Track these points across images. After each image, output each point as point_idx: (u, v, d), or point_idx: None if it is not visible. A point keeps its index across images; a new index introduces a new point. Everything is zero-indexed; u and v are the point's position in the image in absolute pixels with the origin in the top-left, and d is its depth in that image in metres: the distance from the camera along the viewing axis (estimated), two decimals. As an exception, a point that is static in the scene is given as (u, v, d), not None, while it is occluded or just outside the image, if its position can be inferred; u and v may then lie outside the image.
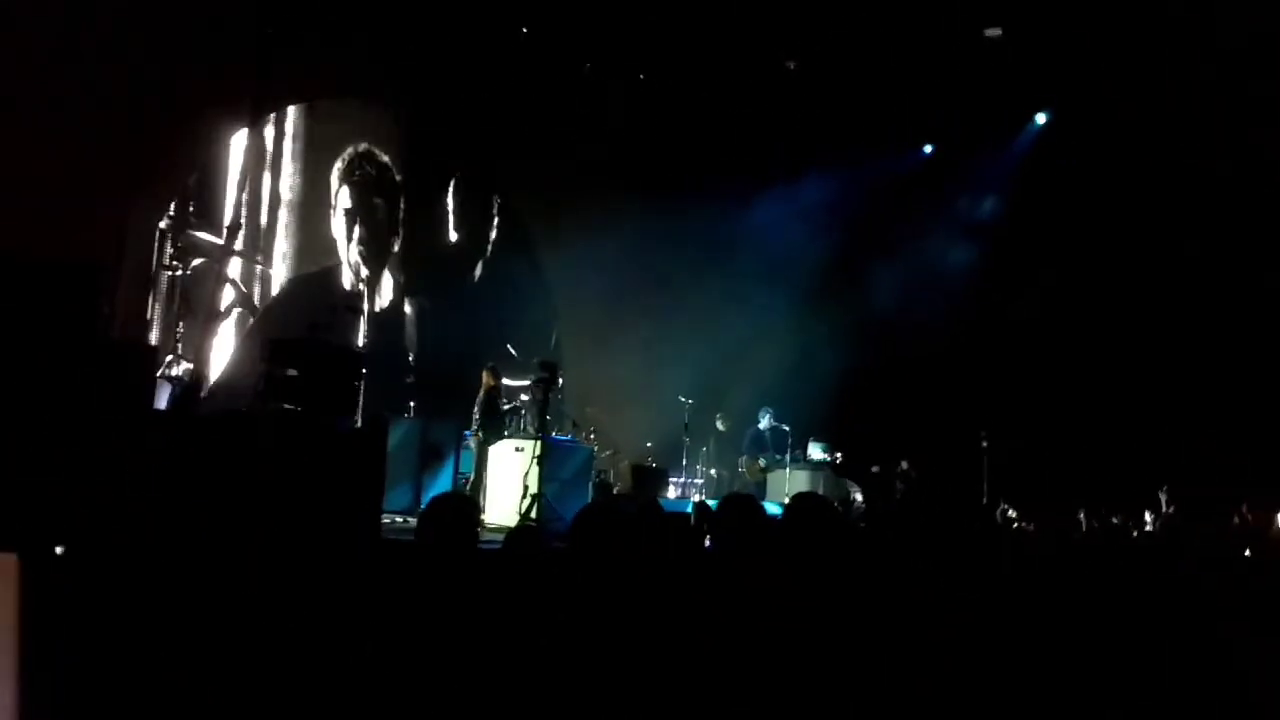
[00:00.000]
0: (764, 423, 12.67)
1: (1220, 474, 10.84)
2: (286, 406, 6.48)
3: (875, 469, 12.21)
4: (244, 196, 10.54)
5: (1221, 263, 12.57)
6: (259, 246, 10.80)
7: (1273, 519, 9.92)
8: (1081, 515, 10.29)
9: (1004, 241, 14.20)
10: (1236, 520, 9.78)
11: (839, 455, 12.35)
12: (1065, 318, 13.45)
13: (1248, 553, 7.33)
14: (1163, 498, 11.04)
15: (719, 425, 13.12)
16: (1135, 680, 3.45)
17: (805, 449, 12.38)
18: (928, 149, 14.82)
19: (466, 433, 10.04)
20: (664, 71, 13.65)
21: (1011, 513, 11.32)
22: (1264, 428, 11.63)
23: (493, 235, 13.71)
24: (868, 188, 14.36)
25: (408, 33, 11.53)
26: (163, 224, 9.48)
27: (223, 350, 10.13)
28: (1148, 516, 10.32)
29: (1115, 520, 9.80)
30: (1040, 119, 14.07)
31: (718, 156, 13.81)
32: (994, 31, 12.49)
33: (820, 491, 11.70)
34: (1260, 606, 4.05)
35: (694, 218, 13.30)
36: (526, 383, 10.48)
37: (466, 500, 6.96)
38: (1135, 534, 9.21)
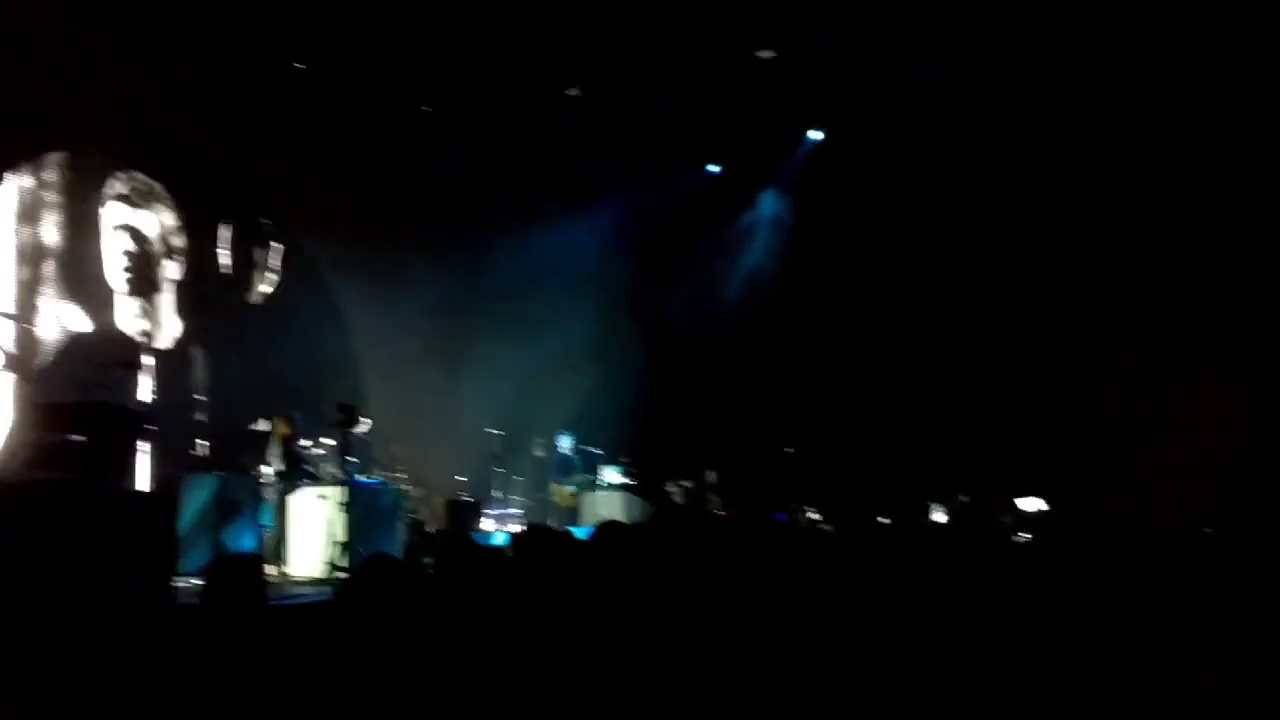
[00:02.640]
0: (565, 446, 12.74)
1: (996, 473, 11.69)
2: (58, 475, 6.06)
3: (669, 487, 12.43)
4: (7, 255, 9.80)
5: (997, 260, 13.42)
6: (25, 304, 10.05)
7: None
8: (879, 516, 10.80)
9: (792, 253, 14.81)
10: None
11: (634, 476, 12.50)
12: (855, 326, 14.10)
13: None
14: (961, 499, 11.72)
15: (536, 452, 13.11)
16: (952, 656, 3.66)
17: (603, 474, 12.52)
18: (713, 168, 15.30)
19: (264, 483, 9.64)
20: (449, 103, 13.57)
21: (815, 515, 11.79)
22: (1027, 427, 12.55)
23: (282, 278, 13.23)
24: (658, 208, 14.71)
25: (173, 70, 11.00)
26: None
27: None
28: (938, 514, 10.95)
29: (908, 517, 10.34)
30: (816, 135, 14.76)
31: (508, 185, 13.83)
32: (767, 53, 13.06)
33: (634, 512, 11.89)
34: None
35: (487, 247, 13.28)
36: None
37: (250, 559, 6.68)
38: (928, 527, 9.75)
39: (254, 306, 12.78)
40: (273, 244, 13.01)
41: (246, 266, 12.76)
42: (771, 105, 13.45)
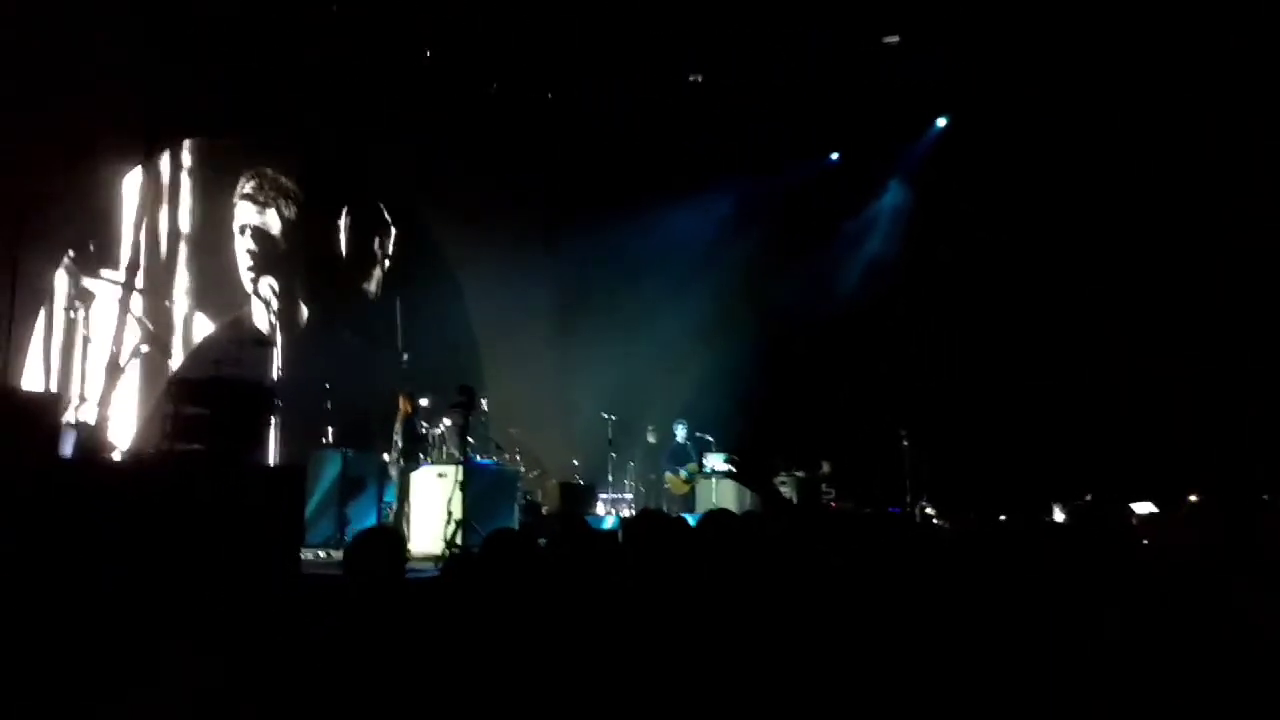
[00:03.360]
0: (680, 435, 12.76)
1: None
2: (194, 447, 6.36)
3: (781, 478, 12.29)
4: (142, 235, 10.32)
5: (1129, 260, 12.90)
6: (161, 283, 10.58)
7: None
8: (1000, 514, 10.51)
9: (914, 242, 14.50)
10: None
11: (736, 464, 12.39)
12: (976, 318, 13.74)
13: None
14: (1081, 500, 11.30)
15: (649, 438, 13.19)
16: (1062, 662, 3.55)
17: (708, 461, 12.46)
18: (834, 156, 15.08)
19: (387, 461, 9.92)
20: (571, 89, 13.70)
21: (930, 510, 11.56)
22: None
23: (404, 263, 13.60)
24: (779, 196, 14.59)
25: (306, 58, 11.38)
26: (61, 268, 9.25)
27: (130, 392, 9.88)
28: (1058, 513, 10.60)
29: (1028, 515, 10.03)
30: (941, 122, 14.41)
31: (628, 172, 13.89)
32: (892, 39, 12.83)
33: (748, 501, 11.83)
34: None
35: (607, 233, 13.36)
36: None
37: (391, 533, 6.89)
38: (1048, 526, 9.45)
39: (378, 290, 13.16)
40: (394, 229, 13.37)
41: (369, 252, 13.15)
42: (896, 91, 13.20)
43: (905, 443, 12.68)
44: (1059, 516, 10.07)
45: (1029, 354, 13.26)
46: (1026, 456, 12.20)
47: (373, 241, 13.21)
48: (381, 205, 13.30)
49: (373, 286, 13.13)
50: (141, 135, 10.14)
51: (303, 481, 6.97)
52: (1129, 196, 12.56)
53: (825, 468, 12.90)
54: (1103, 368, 12.82)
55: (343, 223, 12.85)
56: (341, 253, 12.81)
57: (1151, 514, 10.66)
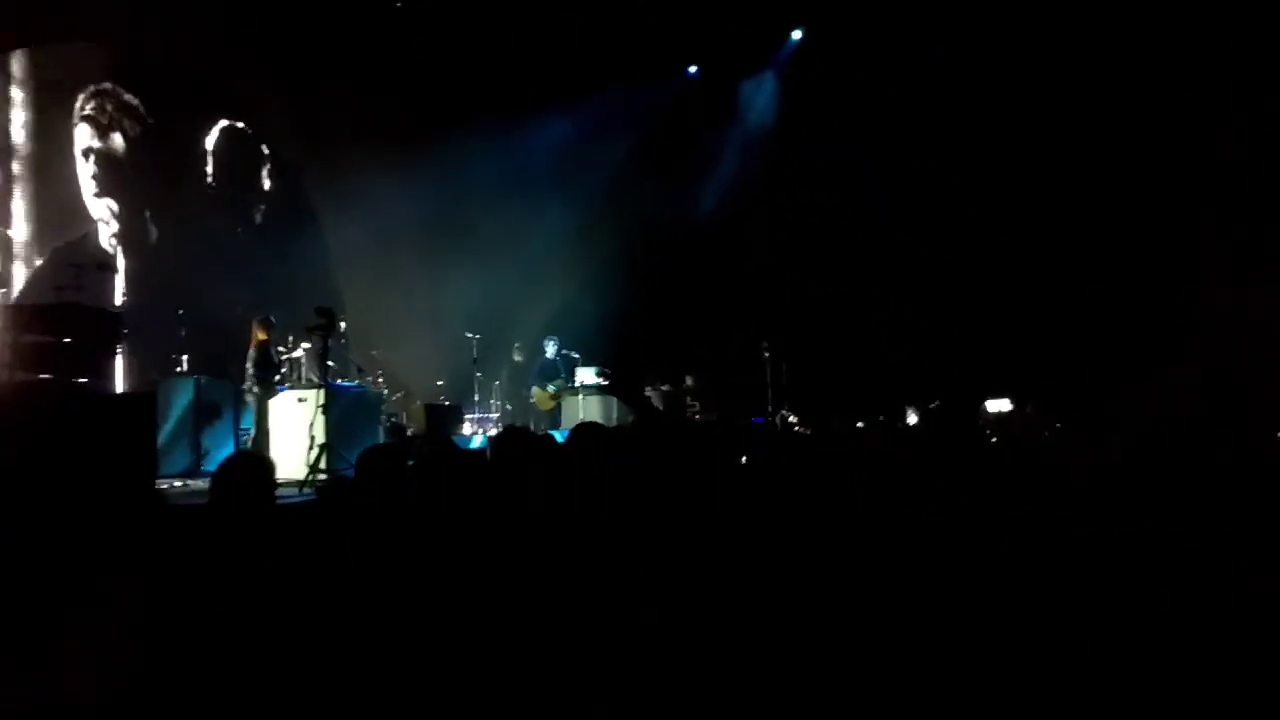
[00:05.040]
0: (550, 351, 12.74)
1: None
2: (36, 375, 6.04)
3: (649, 391, 12.48)
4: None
5: (978, 167, 13.33)
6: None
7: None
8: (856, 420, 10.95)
9: (774, 156, 14.68)
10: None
11: (609, 377, 12.51)
12: (835, 230, 14.06)
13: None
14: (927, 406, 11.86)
15: (515, 356, 13.11)
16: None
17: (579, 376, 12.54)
18: (693, 69, 15.06)
19: (244, 388, 9.63)
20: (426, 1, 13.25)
21: (792, 418, 11.92)
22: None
23: (264, 182, 13.06)
24: (640, 111, 14.51)
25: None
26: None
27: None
28: (910, 417, 11.09)
29: (883, 419, 10.48)
30: (796, 35, 14.53)
31: (488, 88, 13.58)
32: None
33: (614, 416, 11.97)
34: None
35: (466, 151, 13.07)
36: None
37: (260, 459, 6.71)
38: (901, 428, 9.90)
39: (231, 212, 12.63)
40: (250, 149, 12.80)
41: (223, 173, 12.58)
42: (752, 5, 13.23)
43: (766, 354, 13.01)
44: (912, 419, 10.55)
45: (886, 264, 13.69)
46: (882, 364, 12.68)
47: (227, 162, 12.63)
48: (236, 124, 12.69)
49: (227, 209, 12.58)
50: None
51: (153, 409, 6.71)
52: (975, 109, 12.97)
53: (689, 381, 13.13)
54: (954, 275, 13.34)
55: (195, 142, 12.24)
56: (194, 174, 12.22)
57: (1003, 412, 11.29)
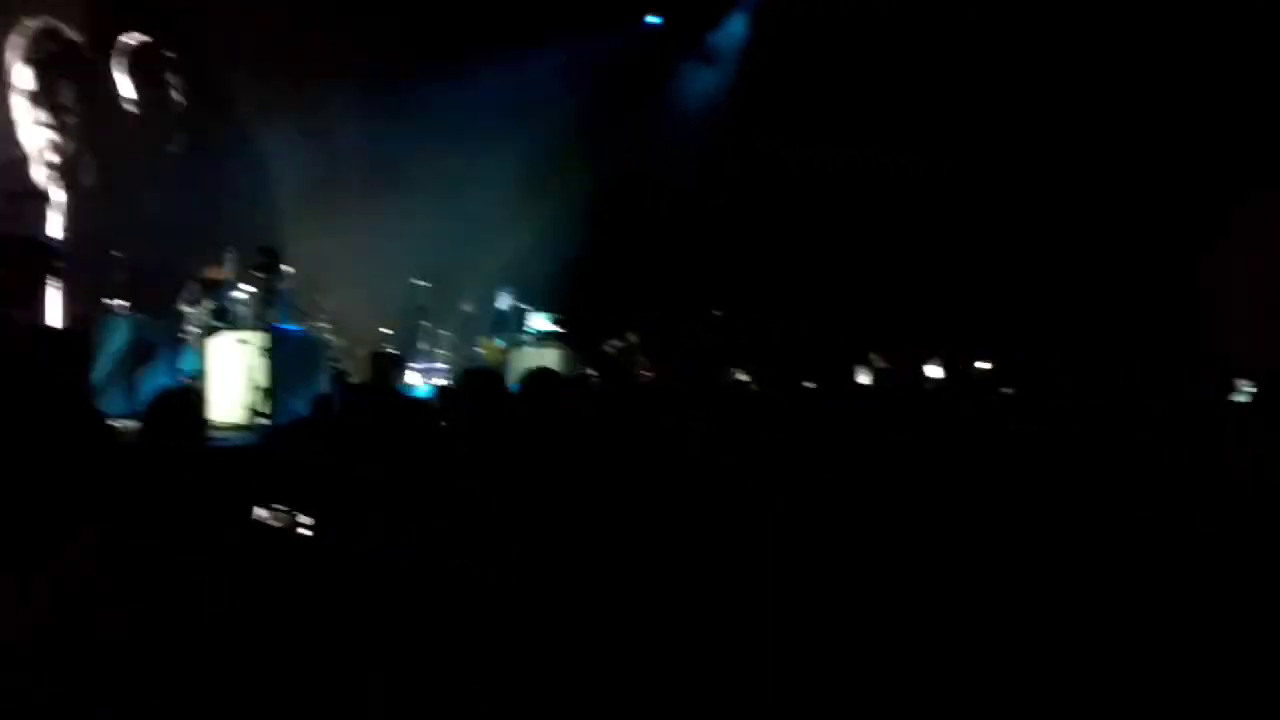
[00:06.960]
0: (503, 302, 12.57)
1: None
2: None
3: (605, 346, 12.40)
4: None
5: (932, 128, 13.34)
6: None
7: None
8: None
9: (731, 113, 14.54)
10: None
11: (564, 324, 12.40)
12: (791, 184, 14.01)
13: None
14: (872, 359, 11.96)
15: (465, 307, 12.92)
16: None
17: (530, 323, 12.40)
18: (653, 19, 14.85)
19: (185, 327, 9.38)
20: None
21: (744, 377, 11.88)
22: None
23: (200, 115, 12.62)
24: (599, 57, 14.26)
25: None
26: None
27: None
28: (862, 377, 11.19)
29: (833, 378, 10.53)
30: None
31: (442, 27, 13.24)
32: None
33: (564, 365, 11.87)
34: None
35: (420, 92, 12.75)
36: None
37: (191, 394, 6.54)
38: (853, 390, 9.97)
39: (170, 143, 12.21)
40: (188, 78, 12.36)
41: (160, 101, 12.14)
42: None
43: (716, 312, 12.95)
44: (863, 379, 10.61)
45: (838, 221, 13.69)
46: (834, 324, 12.72)
47: (168, 90, 12.18)
48: (173, 54, 12.23)
49: (169, 142, 12.15)
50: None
51: (87, 346, 6.49)
52: (935, 70, 12.96)
53: (632, 338, 13.02)
54: (902, 236, 13.41)
55: (133, 71, 11.77)
56: (135, 105, 11.77)
57: (939, 379, 11.44)
